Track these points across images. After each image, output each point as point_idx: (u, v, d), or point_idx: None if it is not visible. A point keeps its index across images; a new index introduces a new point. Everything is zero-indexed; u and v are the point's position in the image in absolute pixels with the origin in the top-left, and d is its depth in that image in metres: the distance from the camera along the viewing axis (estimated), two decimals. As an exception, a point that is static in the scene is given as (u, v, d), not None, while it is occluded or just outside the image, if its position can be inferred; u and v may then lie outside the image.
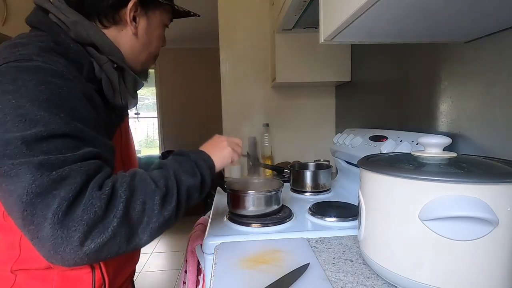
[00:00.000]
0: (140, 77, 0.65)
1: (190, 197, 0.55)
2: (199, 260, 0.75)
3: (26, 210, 0.40)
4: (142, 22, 0.61)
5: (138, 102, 0.75)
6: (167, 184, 0.51)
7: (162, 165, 0.56)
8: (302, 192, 1.08)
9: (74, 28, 0.53)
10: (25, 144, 0.41)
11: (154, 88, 4.34)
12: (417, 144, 0.75)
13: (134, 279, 0.78)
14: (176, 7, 0.66)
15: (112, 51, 0.58)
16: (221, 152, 0.65)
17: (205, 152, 0.63)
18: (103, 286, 0.59)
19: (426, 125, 0.83)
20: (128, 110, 0.74)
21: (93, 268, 0.57)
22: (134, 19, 0.59)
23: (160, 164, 0.57)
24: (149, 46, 0.65)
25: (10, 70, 0.44)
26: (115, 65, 0.58)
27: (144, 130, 4.87)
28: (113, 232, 0.43)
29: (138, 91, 0.69)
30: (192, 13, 0.70)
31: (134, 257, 0.73)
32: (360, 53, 1.32)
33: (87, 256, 0.43)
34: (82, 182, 0.43)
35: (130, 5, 0.57)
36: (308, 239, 0.68)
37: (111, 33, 0.58)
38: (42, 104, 0.43)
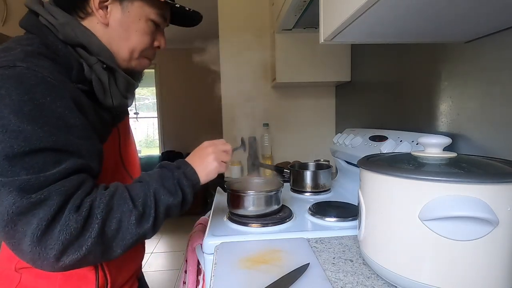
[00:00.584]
0: (133, 78, 0.63)
1: (168, 215, 0.57)
2: (199, 260, 0.75)
3: (7, 227, 0.42)
4: (115, 12, 0.57)
5: (138, 102, 0.74)
6: (145, 203, 0.53)
7: (144, 180, 0.56)
8: (302, 192, 1.08)
9: (62, 29, 0.53)
10: (7, 160, 0.42)
11: (154, 88, 4.34)
12: (417, 144, 0.75)
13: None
14: (164, 0, 0.60)
15: (101, 51, 0.57)
16: (207, 166, 0.64)
17: (191, 167, 0.62)
18: (105, 284, 0.60)
19: (426, 125, 0.83)
20: (128, 109, 0.74)
21: (96, 266, 0.58)
22: (105, 8, 0.56)
23: (141, 178, 0.57)
24: (128, 40, 0.60)
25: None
26: (105, 66, 0.57)
27: (144, 130, 4.87)
28: (88, 250, 0.46)
29: (135, 92, 0.68)
30: (188, 9, 0.64)
31: (137, 255, 0.74)
32: (360, 53, 1.32)
33: (63, 268, 0.46)
34: (60, 203, 0.44)
35: None
36: (308, 239, 0.68)
37: (86, 25, 0.56)
38: (25, 116, 0.43)
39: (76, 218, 0.45)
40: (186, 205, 0.60)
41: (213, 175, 0.66)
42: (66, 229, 0.44)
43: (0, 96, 0.42)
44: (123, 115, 0.70)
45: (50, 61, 0.50)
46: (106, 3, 0.56)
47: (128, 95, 0.63)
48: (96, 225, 0.47)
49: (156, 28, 0.64)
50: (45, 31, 0.53)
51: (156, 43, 0.65)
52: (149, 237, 0.55)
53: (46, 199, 0.43)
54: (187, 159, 0.65)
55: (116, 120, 0.66)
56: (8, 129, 0.42)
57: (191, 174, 0.61)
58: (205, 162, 0.65)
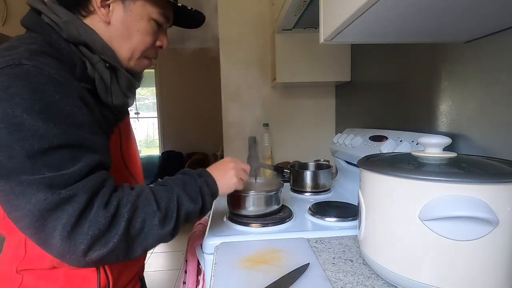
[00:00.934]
0: (134, 78, 0.63)
1: (188, 219, 0.59)
2: (199, 260, 0.75)
3: (38, 222, 0.43)
4: (117, 11, 0.57)
5: (138, 102, 0.74)
6: (168, 206, 0.55)
7: (167, 184, 0.59)
8: (302, 192, 1.08)
9: (66, 28, 0.53)
10: (29, 158, 0.42)
11: (154, 88, 4.34)
12: (417, 144, 0.75)
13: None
14: (167, 0, 0.59)
15: (104, 50, 0.56)
16: (228, 181, 0.67)
17: (212, 177, 0.64)
18: (107, 285, 0.60)
19: (426, 125, 0.83)
20: (129, 109, 0.73)
21: (97, 267, 0.58)
22: (107, 6, 0.56)
23: (165, 182, 0.60)
24: (130, 39, 0.59)
25: (2, 78, 0.43)
26: (107, 64, 0.57)
27: (144, 130, 4.87)
28: (113, 247, 0.48)
29: (136, 91, 0.68)
30: (190, 9, 0.64)
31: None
32: (360, 53, 1.32)
33: (87, 264, 0.47)
34: (88, 199, 0.46)
35: None
36: (308, 239, 0.68)
37: (88, 23, 0.56)
38: (38, 114, 0.43)
39: (104, 215, 0.47)
40: (204, 212, 0.62)
41: (231, 190, 0.69)
42: (95, 225, 0.46)
43: (10, 95, 0.42)
44: (124, 115, 0.70)
45: (55, 59, 0.50)
46: (108, 2, 0.56)
47: (129, 94, 0.63)
48: (123, 223, 0.48)
49: (159, 28, 0.63)
50: (48, 30, 0.53)
51: (158, 43, 0.65)
52: (167, 240, 0.56)
53: (74, 195, 0.45)
54: (209, 168, 0.67)
55: (118, 119, 0.66)
56: (23, 128, 0.42)
57: (212, 183, 0.63)
58: (227, 176, 0.67)
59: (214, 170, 0.67)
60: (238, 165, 0.71)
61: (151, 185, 0.59)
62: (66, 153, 0.46)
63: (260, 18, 1.55)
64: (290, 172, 1.12)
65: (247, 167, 0.74)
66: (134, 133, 0.79)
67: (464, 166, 0.45)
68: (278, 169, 1.20)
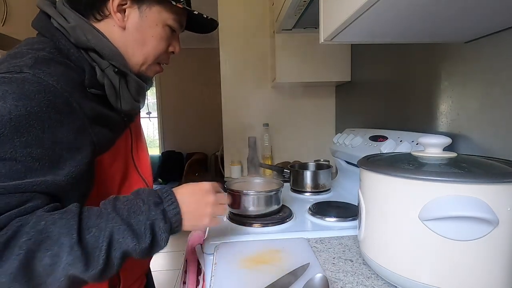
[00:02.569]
0: (145, 83, 0.62)
1: (125, 259, 0.45)
2: (199, 260, 0.75)
3: None
4: (132, 16, 0.56)
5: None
6: (96, 242, 0.41)
7: (105, 210, 0.45)
8: (302, 192, 1.08)
9: (73, 33, 0.52)
10: None
11: (154, 88, 4.34)
12: (417, 144, 0.75)
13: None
14: (181, 6, 0.58)
15: (112, 56, 0.55)
16: (200, 217, 0.53)
17: (175, 206, 0.50)
18: (118, 283, 0.59)
19: (426, 125, 0.83)
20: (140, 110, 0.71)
21: None
22: (123, 11, 0.56)
23: (105, 206, 0.46)
24: (144, 45, 0.59)
25: (0, 84, 0.42)
26: (117, 70, 0.56)
27: (144, 130, 4.87)
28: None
29: (146, 94, 0.66)
30: (206, 17, 0.64)
31: None
32: (360, 53, 1.32)
33: None
34: None
35: None
36: (308, 239, 0.68)
37: (102, 27, 0.55)
38: (10, 121, 0.40)
39: None
40: (155, 250, 0.48)
41: (199, 229, 0.58)
42: None
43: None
44: (134, 117, 0.68)
45: (62, 66, 0.49)
46: (124, 7, 0.55)
47: (139, 98, 0.62)
48: (16, 257, 0.36)
49: (172, 34, 0.62)
50: (57, 35, 0.52)
51: (171, 48, 0.64)
52: (94, 282, 0.42)
53: None
54: (180, 191, 0.52)
55: (128, 121, 0.65)
56: None
57: (174, 215, 0.49)
58: (200, 211, 0.53)
59: (187, 195, 0.53)
60: (218, 199, 0.57)
61: (87, 207, 0.45)
62: (13, 167, 0.40)
63: (260, 18, 1.55)
64: (290, 172, 1.12)
65: (227, 200, 0.62)
66: (145, 133, 0.76)
67: (464, 166, 0.45)
68: (278, 169, 1.20)
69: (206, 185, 0.56)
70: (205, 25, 0.68)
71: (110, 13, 0.55)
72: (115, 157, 0.59)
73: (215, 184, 0.58)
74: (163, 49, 0.62)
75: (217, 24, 0.68)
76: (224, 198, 0.60)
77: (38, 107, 0.42)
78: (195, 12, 0.61)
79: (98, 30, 0.54)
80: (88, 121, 0.50)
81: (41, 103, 0.43)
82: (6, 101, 0.40)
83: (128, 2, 0.55)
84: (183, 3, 0.59)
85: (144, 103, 0.65)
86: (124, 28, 0.56)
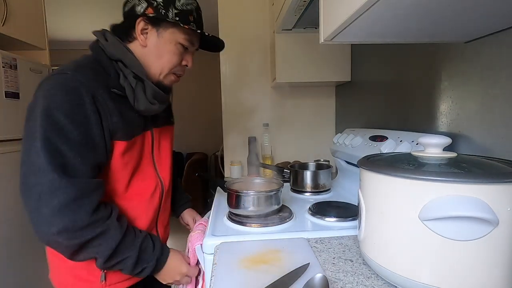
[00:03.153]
0: (163, 90, 0.77)
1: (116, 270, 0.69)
2: (199, 260, 0.75)
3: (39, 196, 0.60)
4: (151, 37, 0.73)
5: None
6: (121, 260, 0.67)
7: (133, 239, 0.69)
8: (302, 192, 1.08)
9: (108, 48, 0.71)
10: (44, 142, 0.58)
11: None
12: (417, 144, 0.75)
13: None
14: (192, 29, 0.73)
15: (134, 66, 0.72)
16: (167, 278, 0.77)
17: (161, 265, 0.74)
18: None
19: (426, 125, 0.83)
20: (170, 119, 0.91)
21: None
22: (144, 33, 0.73)
23: (135, 235, 0.70)
24: (160, 58, 0.75)
25: (50, 81, 0.63)
26: (135, 76, 0.72)
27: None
28: (72, 245, 0.61)
29: (167, 100, 0.81)
30: (218, 41, 0.80)
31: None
32: (360, 53, 1.32)
33: (47, 243, 0.62)
34: (76, 195, 0.60)
35: (136, 23, 0.72)
36: (308, 239, 0.68)
37: (132, 46, 0.74)
38: (45, 109, 0.59)
39: (88, 219, 0.60)
40: (134, 275, 0.71)
41: (164, 282, 0.78)
42: (73, 221, 0.58)
43: (40, 88, 0.63)
44: (160, 123, 0.84)
45: (94, 71, 0.67)
46: (146, 30, 0.73)
47: (154, 101, 0.74)
48: (90, 235, 0.61)
49: (185, 50, 0.77)
50: (98, 51, 0.72)
51: (184, 62, 0.79)
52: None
53: (70, 186, 0.58)
54: (170, 260, 0.76)
55: (149, 124, 0.79)
56: (52, 119, 0.59)
57: (157, 269, 0.74)
58: (170, 276, 0.76)
59: (167, 264, 0.75)
60: (188, 274, 0.78)
61: (131, 227, 0.70)
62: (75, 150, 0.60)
63: (260, 18, 1.55)
64: (290, 172, 1.12)
65: (194, 274, 0.80)
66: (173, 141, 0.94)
67: (464, 166, 0.45)
68: (278, 169, 1.20)
69: (182, 266, 0.77)
70: (215, 44, 0.83)
71: (136, 37, 0.73)
72: (131, 149, 0.73)
73: (189, 264, 0.79)
74: (177, 63, 0.77)
75: (223, 45, 0.84)
76: (193, 273, 0.79)
77: (75, 96, 0.62)
78: (206, 33, 0.76)
79: (127, 48, 0.73)
80: (107, 111, 0.66)
81: (77, 94, 0.62)
82: (44, 92, 0.61)
83: (149, 27, 0.73)
84: (192, 26, 0.73)
85: (161, 107, 0.77)
86: (145, 46, 0.74)
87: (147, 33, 0.73)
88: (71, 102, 0.60)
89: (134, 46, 0.74)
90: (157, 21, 0.72)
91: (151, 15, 0.71)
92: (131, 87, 0.71)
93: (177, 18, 0.72)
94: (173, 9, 0.71)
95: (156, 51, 0.74)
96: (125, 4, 0.74)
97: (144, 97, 0.72)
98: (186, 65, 0.80)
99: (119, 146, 0.69)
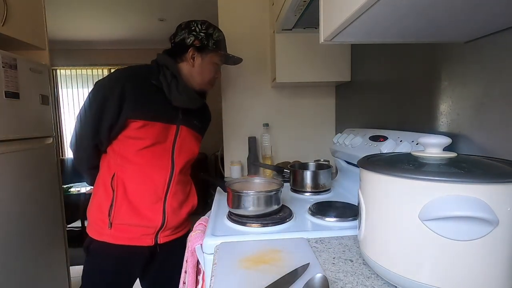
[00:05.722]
0: (202, 95, 1.09)
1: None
2: (199, 260, 0.75)
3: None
4: (197, 60, 1.03)
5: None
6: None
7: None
8: (302, 192, 1.08)
9: (158, 58, 1.04)
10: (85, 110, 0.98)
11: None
12: (417, 144, 0.75)
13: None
14: (223, 53, 1.06)
15: (172, 69, 1.00)
16: None
17: None
18: (163, 222, 1.01)
19: (426, 125, 0.83)
20: (194, 121, 1.09)
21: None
22: (193, 58, 1.02)
23: None
24: (202, 74, 1.05)
25: (116, 73, 1.00)
26: (171, 73, 1.00)
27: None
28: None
29: (200, 100, 1.08)
30: (238, 60, 1.12)
31: (189, 202, 1.11)
32: (360, 53, 1.32)
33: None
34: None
35: (188, 51, 1.01)
36: (308, 239, 0.68)
37: (182, 65, 1.03)
38: (92, 94, 0.97)
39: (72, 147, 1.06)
40: None
41: None
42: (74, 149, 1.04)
43: (101, 79, 1.00)
44: (190, 125, 1.07)
45: (137, 69, 1.01)
46: (193, 56, 1.02)
47: (183, 94, 1.00)
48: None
49: (218, 67, 1.08)
50: (154, 62, 1.05)
51: (216, 75, 1.10)
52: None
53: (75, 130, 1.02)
54: None
55: (179, 120, 1.03)
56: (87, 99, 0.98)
57: None
58: None
59: None
60: None
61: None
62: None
63: (260, 18, 1.55)
64: (290, 172, 1.12)
65: None
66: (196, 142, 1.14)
67: (464, 166, 0.45)
68: (278, 169, 1.20)
69: None
70: (235, 60, 1.13)
71: (186, 59, 1.03)
72: (148, 127, 0.96)
73: None
74: (212, 76, 1.08)
75: (241, 61, 1.14)
76: None
77: (125, 80, 0.96)
78: (239, 58, 1.11)
79: (167, 57, 1.03)
80: (132, 98, 0.95)
81: (127, 79, 0.97)
82: (102, 80, 0.99)
83: (196, 53, 1.02)
84: (224, 51, 1.07)
85: (190, 101, 1.03)
86: (193, 66, 1.03)
87: (194, 57, 1.02)
88: (97, 88, 0.96)
89: (183, 65, 1.03)
90: (201, 49, 1.02)
91: (197, 45, 1.01)
92: (167, 82, 0.98)
93: (214, 46, 1.03)
94: (212, 40, 1.02)
95: (200, 69, 1.03)
96: (175, 35, 1.04)
97: (176, 89, 0.99)
98: (217, 77, 1.10)
99: (136, 124, 0.95)
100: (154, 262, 1.07)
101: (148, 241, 1.00)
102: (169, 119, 1.01)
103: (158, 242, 1.02)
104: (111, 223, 0.97)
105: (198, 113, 1.11)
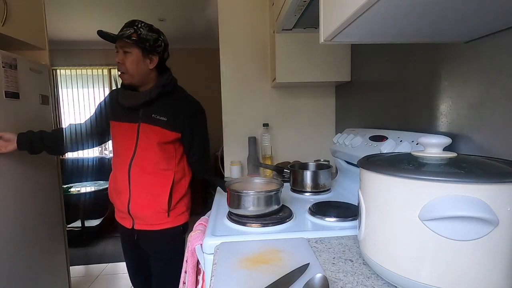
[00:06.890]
0: (132, 89, 1.23)
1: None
2: (199, 260, 0.75)
3: None
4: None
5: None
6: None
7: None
8: (302, 192, 1.08)
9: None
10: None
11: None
12: (417, 144, 0.75)
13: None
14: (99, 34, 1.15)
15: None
16: None
17: None
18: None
19: (426, 125, 0.83)
20: (155, 119, 1.16)
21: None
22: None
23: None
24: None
25: None
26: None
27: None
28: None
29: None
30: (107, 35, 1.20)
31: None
32: (360, 53, 1.32)
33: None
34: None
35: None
36: (308, 239, 0.68)
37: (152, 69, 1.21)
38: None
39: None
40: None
41: None
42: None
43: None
44: (146, 120, 1.14)
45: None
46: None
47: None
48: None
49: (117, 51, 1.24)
50: None
51: (117, 59, 1.20)
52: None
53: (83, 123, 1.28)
54: None
55: (137, 118, 1.15)
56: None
57: None
58: None
59: None
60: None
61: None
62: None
63: (260, 18, 1.55)
64: (290, 172, 1.12)
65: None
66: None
67: (464, 166, 0.45)
68: (278, 169, 1.20)
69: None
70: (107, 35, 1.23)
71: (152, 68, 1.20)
72: (117, 128, 1.19)
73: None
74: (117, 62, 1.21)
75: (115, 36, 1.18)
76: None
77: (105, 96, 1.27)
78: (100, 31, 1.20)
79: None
80: (112, 104, 1.21)
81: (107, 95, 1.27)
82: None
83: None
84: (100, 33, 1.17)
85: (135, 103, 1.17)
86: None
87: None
88: (104, 98, 1.26)
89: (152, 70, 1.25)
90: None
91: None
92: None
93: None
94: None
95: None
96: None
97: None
98: (118, 61, 1.14)
99: (112, 124, 1.20)
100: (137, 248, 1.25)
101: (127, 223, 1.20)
102: (130, 118, 1.19)
103: (135, 228, 1.19)
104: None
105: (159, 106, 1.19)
